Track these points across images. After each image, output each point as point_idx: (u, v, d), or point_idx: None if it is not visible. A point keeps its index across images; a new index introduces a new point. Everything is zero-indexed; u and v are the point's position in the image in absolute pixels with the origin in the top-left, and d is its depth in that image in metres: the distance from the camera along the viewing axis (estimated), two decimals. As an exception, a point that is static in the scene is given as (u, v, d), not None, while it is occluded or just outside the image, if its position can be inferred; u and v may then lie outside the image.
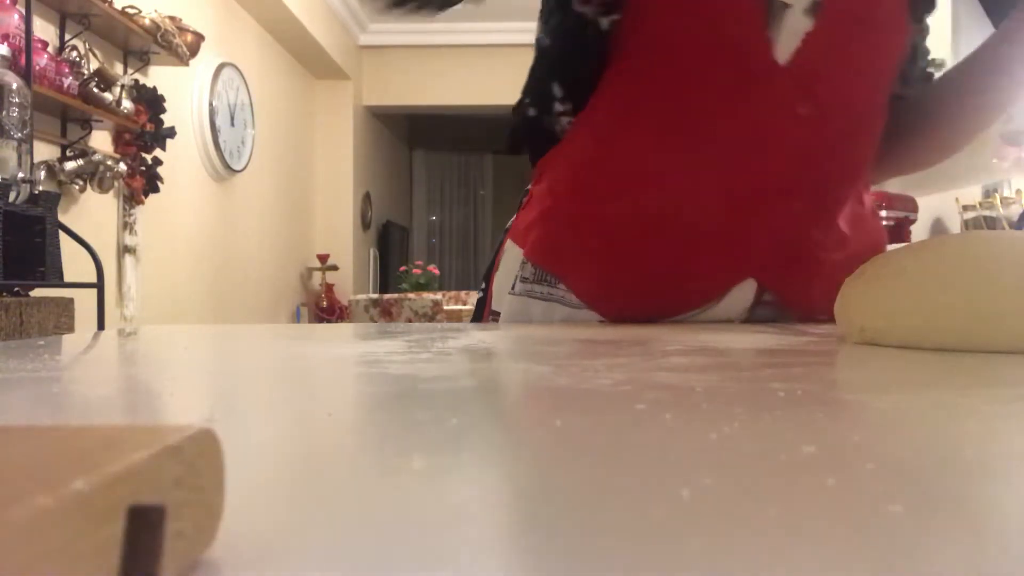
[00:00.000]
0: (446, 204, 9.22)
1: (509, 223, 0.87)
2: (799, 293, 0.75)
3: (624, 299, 0.75)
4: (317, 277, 6.29)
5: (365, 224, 7.00)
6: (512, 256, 0.81)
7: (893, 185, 3.62)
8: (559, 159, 0.79)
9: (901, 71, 0.77)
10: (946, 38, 2.56)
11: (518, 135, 0.81)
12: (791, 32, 0.68)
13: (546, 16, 0.76)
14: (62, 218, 2.37)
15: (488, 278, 0.86)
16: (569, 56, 0.74)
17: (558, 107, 0.76)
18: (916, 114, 0.80)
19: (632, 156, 0.73)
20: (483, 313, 0.85)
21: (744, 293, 0.74)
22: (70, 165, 3.04)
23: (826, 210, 0.74)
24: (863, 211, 0.80)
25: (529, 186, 0.85)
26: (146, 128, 3.43)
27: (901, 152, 0.83)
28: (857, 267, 0.76)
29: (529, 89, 0.79)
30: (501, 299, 0.81)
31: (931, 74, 0.82)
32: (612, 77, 0.73)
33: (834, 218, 0.75)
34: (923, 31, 0.79)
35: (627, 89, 0.72)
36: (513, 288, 0.79)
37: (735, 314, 0.75)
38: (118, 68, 3.45)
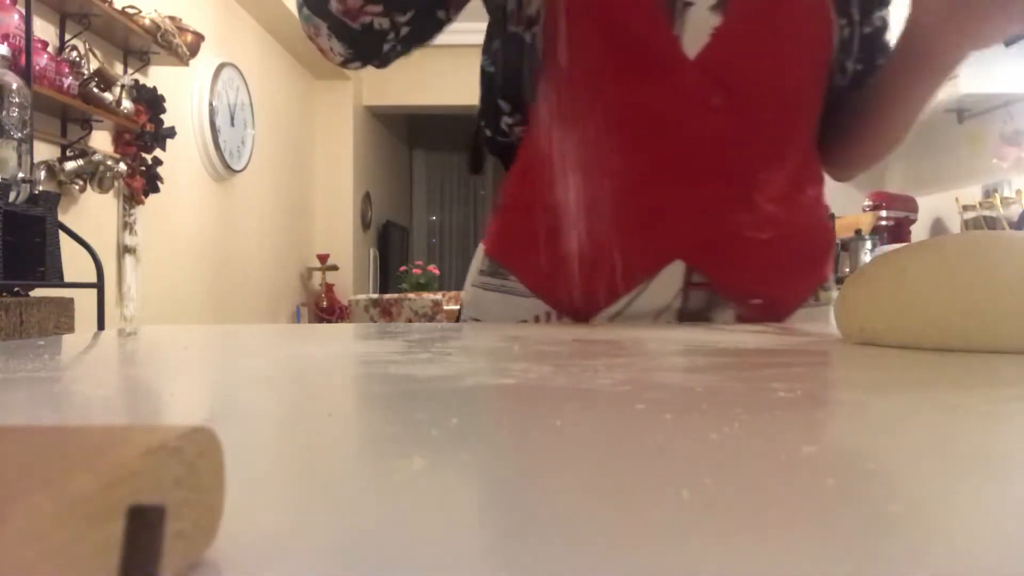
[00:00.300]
0: (446, 204, 9.22)
1: None
2: (726, 273, 0.78)
3: (566, 285, 0.80)
4: (317, 277, 6.29)
5: (365, 224, 7.00)
6: (478, 254, 0.88)
7: (893, 185, 3.62)
8: (515, 163, 0.85)
9: (840, 64, 0.81)
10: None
11: (477, 156, 0.90)
12: (699, 28, 0.73)
13: (487, 44, 0.84)
14: (62, 218, 2.37)
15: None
16: (511, 73, 0.81)
17: (507, 120, 0.83)
18: (857, 109, 0.84)
19: (564, 149, 0.79)
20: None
21: (673, 275, 0.77)
22: (70, 165, 3.04)
23: (747, 193, 0.77)
24: (803, 200, 0.83)
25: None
26: (146, 128, 3.43)
27: (851, 146, 0.87)
28: (788, 248, 0.77)
29: (482, 113, 0.86)
30: (466, 292, 0.89)
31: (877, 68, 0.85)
32: (544, 82, 0.79)
33: (756, 202, 0.78)
34: (860, 24, 0.82)
35: (556, 90, 0.78)
36: (474, 281, 0.87)
37: (668, 297, 0.78)
38: (118, 68, 3.45)
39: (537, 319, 0.81)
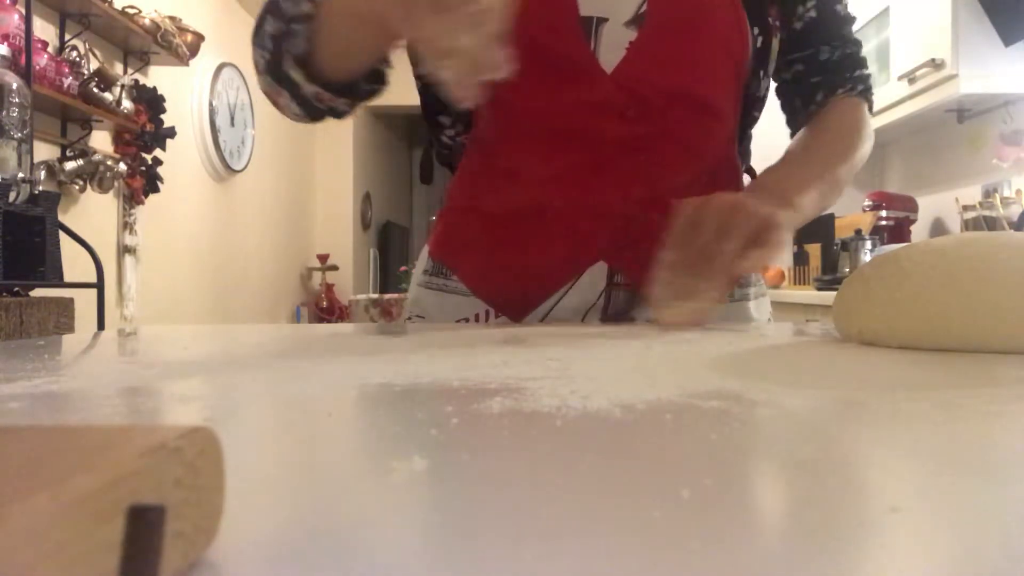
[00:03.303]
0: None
1: None
2: (645, 273, 0.80)
3: (502, 284, 0.83)
4: (317, 277, 6.29)
5: (365, 224, 7.00)
6: (424, 253, 0.93)
7: (893, 185, 3.62)
8: (457, 167, 0.90)
9: (755, 71, 0.84)
10: (946, 38, 2.56)
11: (427, 167, 0.96)
12: (615, 43, 0.77)
13: (416, 67, 0.86)
14: (62, 218, 2.37)
15: None
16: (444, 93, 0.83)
17: (449, 132, 0.87)
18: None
19: (496, 155, 0.84)
20: None
21: (597, 275, 0.81)
22: (70, 165, 3.04)
23: (663, 196, 0.79)
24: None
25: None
26: (146, 128, 3.43)
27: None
28: None
29: (428, 129, 0.92)
30: (411, 289, 0.93)
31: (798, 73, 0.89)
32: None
33: (668, 201, 0.80)
34: (788, 24, 0.86)
35: (488, 102, 0.79)
36: (418, 280, 0.91)
37: (593, 296, 0.82)
38: (118, 68, 3.45)
39: (477, 317, 0.84)
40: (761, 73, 0.85)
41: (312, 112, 0.79)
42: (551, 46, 0.78)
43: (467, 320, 0.85)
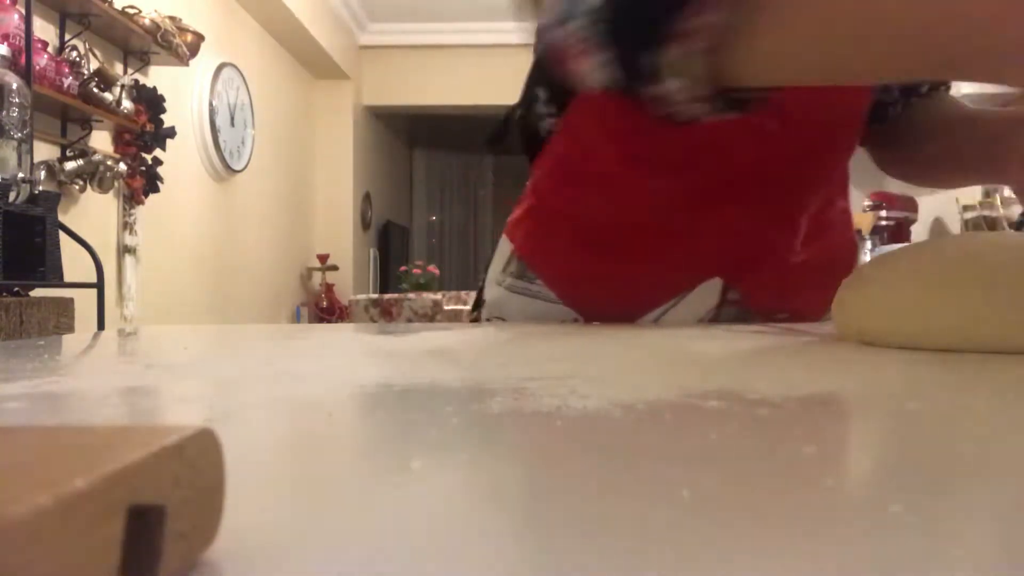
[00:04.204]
0: (446, 204, 9.21)
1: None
2: (762, 293, 0.78)
3: (596, 295, 0.79)
4: (317, 277, 6.29)
5: (365, 224, 7.00)
6: (504, 248, 0.86)
7: (893, 185, 3.62)
8: (546, 158, 0.82)
9: (879, 99, 0.80)
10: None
11: (501, 134, 0.87)
12: None
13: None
14: (62, 218, 2.37)
15: (486, 270, 0.91)
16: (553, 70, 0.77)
17: (541, 108, 0.80)
18: (912, 131, 0.83)
19: (603, 160, 0.77)
20: (480, 303, 0.90)
21: (710, 291, 0.77)
22: (70, 165, 3.04)
23: (790, 215, 0.77)
24: (832, 214, 0.83)
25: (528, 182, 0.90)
26: (146, 128, 3.43)
27: (905, 165, 0.86)
28: (819, 266, 0.75)
29: (522, 94, 0.84)
30: (490, 288, 0.87)
31: (929, 86, 0.83)
32: (584, 95, 0.75)
33: (798, 223, 0.78)
34: None
35: (600, 99, 0.74)
36: (499, 280, 0.85)
37: (702, 312, 0.78)
38: (118, 68, 3.44)
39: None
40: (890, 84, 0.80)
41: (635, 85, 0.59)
42: None
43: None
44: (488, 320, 0.85)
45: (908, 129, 0.83)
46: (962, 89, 2.55)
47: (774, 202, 0.77)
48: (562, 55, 0.58)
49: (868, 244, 3.05)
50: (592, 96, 0.74)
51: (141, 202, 3.60)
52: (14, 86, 2.07)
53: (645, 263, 0.77)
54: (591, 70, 0.57)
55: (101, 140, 3.33)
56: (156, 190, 3.64)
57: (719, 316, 0.78)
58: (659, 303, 0.77)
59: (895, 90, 0.82)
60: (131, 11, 3.28)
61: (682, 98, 0.54)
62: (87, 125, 3.11)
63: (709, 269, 0.77)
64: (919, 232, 3.34)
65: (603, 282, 0.78)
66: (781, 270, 0.78)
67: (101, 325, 2.49)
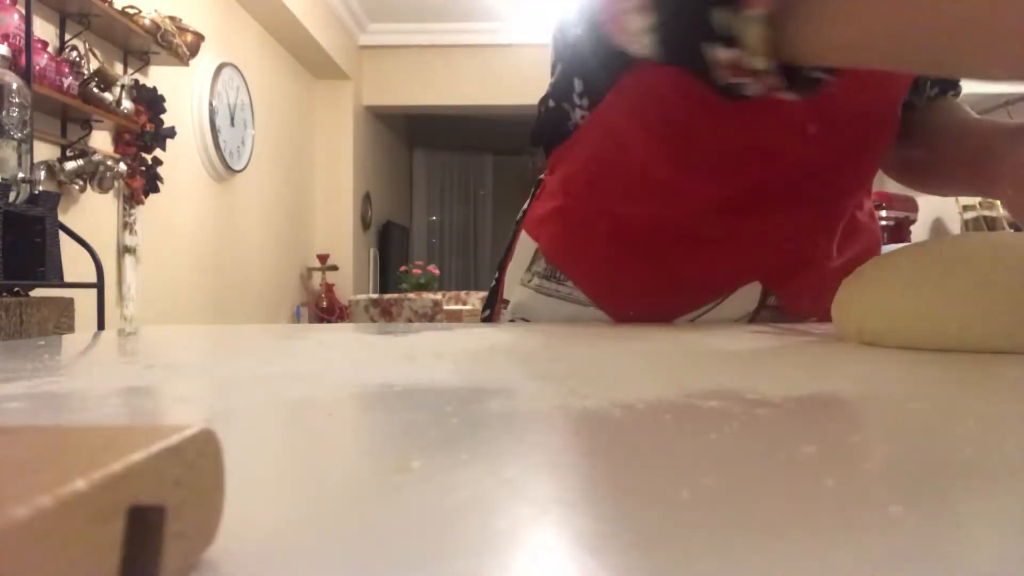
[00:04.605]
0: (446, 204, 9.21)
1: (520, 213, 0.88)
2: (801, 298, 0.77)
3: (631, 299, 0.76)
4: (317, 277, 6.28)
5: (365, 224, 7.00)
6: (526, 247, 0.82)
7: (893, 185, 3.62)
8: (574, 154, 0.80)
9: (914, 80, 0.78)
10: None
11: (540, 127, 0.83)
12: None
13: (576, 24, 0.77)
14: (62, 218, 2.37)
15: (502, 267, 0.88)
16: (592, 59, 0.75)
17: (575, 100, 0.78)
18: (911, 136, 0.82)
19: (642, 161, 0.74)
20: (495, 301, 0.87)
21: (750, 295, 0.76)
22: (70, 165, 3.04)
23: (831, 219, 0.76)
24: (862, 216, 0.82)
25: (542, 175, 0.87)
26: (146, 128, 3.43)
27: (903, 170, 0.86)
28: (851, 271, 0.77)
29: (555, 84, 0.81)
30: (512, 288, 0.83)
31: (946, 85, 0.83)
32: (627, 83, 0.74)
33: (838, 226, 0.78)
34: None
35: (641, 99, 0.73)
36: (525, 280, 0.81)
37: (740, 314, 0.77)
38: (118, 68, 3.44)
39: None
40: (928, 82, 0.79)
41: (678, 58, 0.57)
42: None
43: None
44: (512, 321, 0.82)
45: (908, 133, 0.83)
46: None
47: (817, 206, 0.75)
48: (617, 22, 0.56)
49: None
50: (631, 92, 0.73)
51: (141, 202, 3.60)
52: (14, 86, 2.07)
53: (684, 267, 0.75)
54: (643, 33, 0.54)
55: (101, 140, 3.32)
56: (156, 190, 3.64)
57: (755, 319, 0.77)
58: (696, 306, 0.76)
59: (916, 97, 0.82)
60: (131, 11, 3.28)
61: (734, 70, 0.51)
62: (87, 125, 3.11)
63: (749, 274, 0.76)
64: (919, 232, 3.34)
65: (639, 285, 0.76)
66: (821, 275, 0.76)
67: (101, 325, 2.49)
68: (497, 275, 0.89)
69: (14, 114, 2.05)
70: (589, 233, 0.78)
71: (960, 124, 0.80)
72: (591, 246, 0.78)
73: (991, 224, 2.70)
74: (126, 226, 3.56)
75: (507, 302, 0.84)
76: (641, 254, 0.76)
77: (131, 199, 3.55)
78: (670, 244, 0.75)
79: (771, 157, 0.72)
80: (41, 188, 2.38)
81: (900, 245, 0.61)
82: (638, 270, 0.76)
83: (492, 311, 0.87)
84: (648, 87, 0.72)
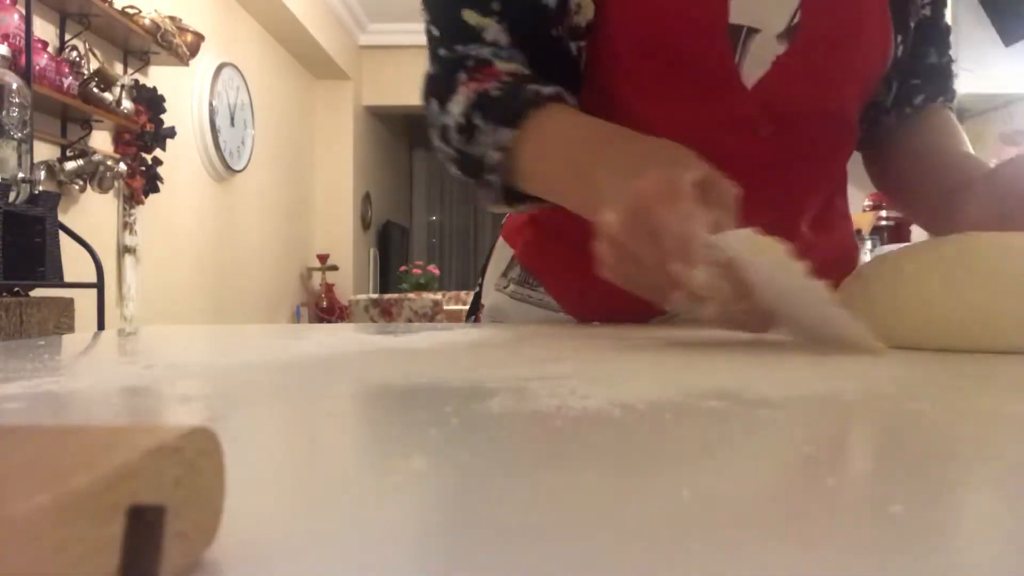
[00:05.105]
0: (446, 204, 9.21)
1: (504, 220, 0.91)
2: None
3: (600, 304, 0.78)
4: (317, 277, 6.29)
5: (365, 224, 7.00)
6: (503, 253, 0.86)
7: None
8: None
9: (887, 79, 0.79)
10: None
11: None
12: (760, 56, 0.70)
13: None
14: (62, 218, 2.37)
15: (483, 272, 0.91)
16: (546, 74, 0.75)
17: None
18: (898, 159, 0.84)
19: None
20: (477, 306, 0.90)
21: None
22: (70, 165, 3.04)
23: (788, 219, 0.76)
24: (832, 216, 0.83)
25: None
26: (146, 128, 3.43)
27: (887, 191, 0.88)
28: (820, 272, 0.78)
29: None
30: (488, 293, 0.86)
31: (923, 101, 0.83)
32: (586, 93, 0.75)
33: (797, 226, 0.78)
34: (907, 49, 0.80)
35: (599, 104, 0.74)
36: (500, 286, 0.84)
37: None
38: (118, 68, 3.44)
39: None
40: (895, 85, 0.80)
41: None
42: (694, 54, 0.71)
43: None
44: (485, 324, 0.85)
45: (885, 154, 0.84)
46: (961, 89, 2.55)
47: (773, 205, 0.75)
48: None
49: (868, 244, 3.06)
50: (594, 104, 0.73)
51: (141, 202, 3.60)
52: (14, 86, 2.07)
53: None
54: (447, 160, 0.72)
55: (101, 140, 3.33)
56: (156, 190, 3.64)
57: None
58: (662, 312, 0.76)
59: (889, 99, 0.82)
60: (131, 11, 3.28)
61: (497, 192, 0.70)
62: (87, 125, 3.11)
63: None
64: (919, 232, 3.35)
65: (606, 292, 0.77)
66: None
67: (101, 325, 2.49)
68: (481, 280, 0.91)
69: (14, 114, 2.05)
70: (559, 241, 0.80)
71: (936, 153, 0.80)
72: (561, 253, 0.80)
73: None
74: (126, 226, 3.56)
75: (483, 306, 0.87)
76: None
77: (131, 199, 3.55)
78: None
79: (722, 153, 0.72)
80: (41, 188, 2.39)
81: (900, 245, 0.61)
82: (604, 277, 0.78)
83: (476, 315, 0.90)
84: (608, 94, 0.74)
